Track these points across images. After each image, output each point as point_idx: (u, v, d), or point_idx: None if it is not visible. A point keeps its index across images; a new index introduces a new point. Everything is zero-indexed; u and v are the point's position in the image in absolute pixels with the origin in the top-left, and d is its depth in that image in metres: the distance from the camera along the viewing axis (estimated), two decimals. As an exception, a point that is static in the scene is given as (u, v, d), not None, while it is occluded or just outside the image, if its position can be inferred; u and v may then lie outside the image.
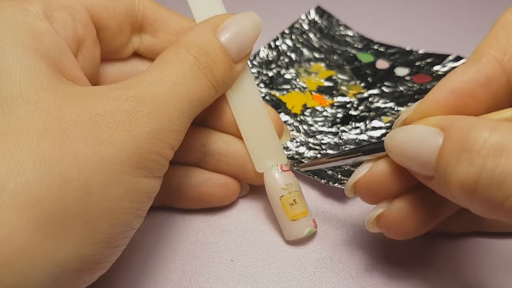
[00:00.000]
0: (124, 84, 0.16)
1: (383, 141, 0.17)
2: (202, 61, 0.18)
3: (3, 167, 0.13)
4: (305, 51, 0.33)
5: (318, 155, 0.25)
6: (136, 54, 0.21)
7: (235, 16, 0.19)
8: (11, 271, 0.12)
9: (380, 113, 0.27)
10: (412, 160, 0.15)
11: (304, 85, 0.30)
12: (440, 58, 0.31)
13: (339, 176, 0.23)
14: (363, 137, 0.26)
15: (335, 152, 0.25)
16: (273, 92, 0.29)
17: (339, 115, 0.28)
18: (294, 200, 0.20)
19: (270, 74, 0.31)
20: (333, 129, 0.27)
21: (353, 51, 0.33)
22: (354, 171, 0.23)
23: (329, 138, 0.26)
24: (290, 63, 0.32)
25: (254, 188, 0.24)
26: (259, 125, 0.21)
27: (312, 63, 0.32)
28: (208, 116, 0.21)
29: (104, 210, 0.14)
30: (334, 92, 0.30)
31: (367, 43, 0.34)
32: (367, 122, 0.27)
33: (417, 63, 0.31)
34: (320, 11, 0.36)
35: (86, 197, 0.14)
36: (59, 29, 0.17)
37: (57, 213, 0.13)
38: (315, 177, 0.23)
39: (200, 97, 0.18)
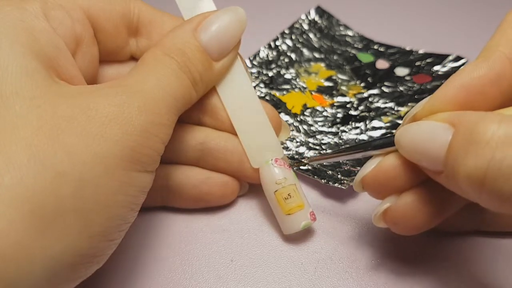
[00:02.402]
0: (113, 82, 0.17)
1: (392, 136, 0.17)
2: (180, 61, 0.18)
3: (0, 162, 0.13)
4: (305, 51, 0.33)
5: (318, 155, 0.25)
6: (134, 57, 0.22)
7: (217, 13, 0.19)
8: (7, 265, 0.12)
9: (380, 113, 0.27)
10: (422, 155, 0.16)
11: (304, 85, 0.30)
12: (440, 58, 0.31)
13: (339, 176, 0.23)
14: (363, 137, 0.26)
15: (339, 145, 0.25)
16: (273, 92, 0.29)
17: (339, 115, 0.28)
18: (288, 194, 0.20)
19: (270, 74, 0.31)
20: (333, 129, 0.27)
21: (353, 51, 0.33)
22: (354, 171, 0.23)
23: (329, 138, 0.26)
24: (290, 63, 0.32)
25: (254, 188, 0.24)
26: (253, 119, 0.21)
27: (312, 63, 0.32)
28: (204, 115, 0.21)
29: (99, 203, 0.14)
30: (334, 92, 0.30)
31: (367, 43, 0.34)
32: (367, 122, 0.27)
33: (417, 63, 0.31)
34: (320, 11, 0.36)
35: (81, 190, 0.14)
36: (57, 27, 0.17)
37: (52, 207, 0.13)
38: (315, 177, 0.23)
39: (183, 94, 0.18)
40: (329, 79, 0.31)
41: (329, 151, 0.25)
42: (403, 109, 0.27)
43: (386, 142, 0.18)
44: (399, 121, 0.27)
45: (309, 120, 0.27)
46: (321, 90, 0.30)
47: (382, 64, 0.32)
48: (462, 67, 0.15)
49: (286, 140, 0.26)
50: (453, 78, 0.16)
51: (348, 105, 0.28)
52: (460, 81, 0.16)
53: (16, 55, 0.15)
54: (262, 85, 0.30)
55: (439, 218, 0.17)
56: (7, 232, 0.12)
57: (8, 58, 0.15)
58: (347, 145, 0.25)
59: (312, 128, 0.27)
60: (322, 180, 0.23)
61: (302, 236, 0.22)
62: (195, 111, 0.21)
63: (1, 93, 0.14)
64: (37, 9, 0.16)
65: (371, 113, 0.28)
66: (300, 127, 0.27)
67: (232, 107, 0.21)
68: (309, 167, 0.24)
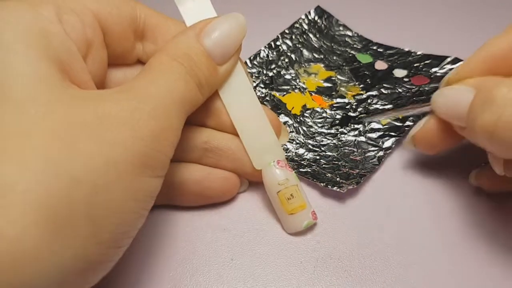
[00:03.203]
0: (122, 87, 0.17)
1: (429, 97, 0.22)
2: (187, 65, 0.18)
3: (15, 168, 0.13)
4: (305, 52, 0.33)
5: (317, 157, 0.25)
6: (141, 61, 0.22)
7: (218, 19, 0.20)
8: (20, 270, 0.12)
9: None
10: (451, 114, 0.20)
11: (304, 86, 0.30)
12: (439, 60, 0.31)
13: (338, 179, 0.24)
14: (362, 139, 0.26)
15: (337, 154, 0.25)
16: (273, 92, 0.30)
17: (338, 116, 0.28)
18: (291, 194, 0.21)
19: (270, 74, 0.31)
20: (332, 131, 0.27)
21: (353, 52, 0.33)
22: (353, 173, 0.24)
23: (328, 139, 0.27)
24: (290, 63, 0.32)
25: (254, 188, 0.24)
26: (254, 122, 0.22)
27: (311, 64, 0.32)
28: (208, 118, 0.22)
29: (110, 209, 0.14)
30: (333, 93, 0.30)
31: (366, 44, 0.34)
32: (366, 123, 0.27)
33: (416, 65, 0.31)
34: (320, 11, 0.36)
35: (93, 197, 0.14)
36: (70, 31, 0.17)
37: (65, 212, 0.13)
38: (314, 180, 0.24)
39: (189, 98, 0.18)
40: (328, 79, 0.31)
41: (328, 153, 0.26)
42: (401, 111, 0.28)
43: (424, 100, 0.24)
44: (397, 123, 0.27)
45: (309, 121, 0.28)
46: (321, 91, 0.30)
47: (380, 65, 0.32)
48: (487, 40, 0.20)
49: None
50: (480, 49, 0.20)
51: (347, 107, 0.29)
52: (485, 50, 0.20)
53: (31, 59, 0.15)
54: (262, 85, 0.30)
55: (458, 139, 0.22)
56: (21, 237, 0.12)
57: (23, 62, 0.15)
58: (346, 149, 0.26)
59: (312, 129, 0.27)
60: (321, 184, 0.23)
61: (301, 235, 0.22)
62: (199, 113, 0.21)
63: (17, 98, 0.14)
64: (51, 13, 0.16)
65: (369, 115, 0.28)
66: (299, 128, 0.27)
67: (234, 110, 0.21)
68: (308, 170, 0.24)
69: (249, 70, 0.31)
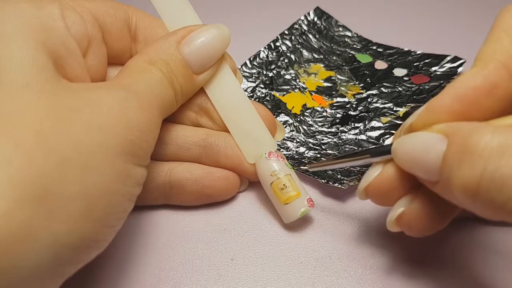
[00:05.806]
0: (109, 82, 0.18)
1: (390, 144, 0.18)
2: (165, 71, 0.19)
3: (9, 145, 0.13)
4: (305, 52, 0.33)
5: (318, 155, 0.25)
6: None
7: (201, 28, 0.20)
8: (13, 244, 0.13)
9: (378, 113, 0.28)
10: (418, 166, 0.16)
11: (304, 86, 0.30)
12: (438, 59, 0.31)
13: (338, 176, 0.23)
14: (362, 137, 0.26)
15: (338, 153, 0.25)
16: (273, 92, 0.30)
17: (339, 115, 0.28)
18: (284, 184, 0.21)
19: (270, 74, 0.31)
20: (333, 129, 0.27)
21: (352, 52, 0.33)
22: (354, 171, 0.24)
23: (329, 138, 0.26)
24: (290, 64, 0.32)
25: (254, 188, 0.24)
26: (243, 118, 0.22)
27: (311, 64, 0.32)
28: (202, 117, 0.23)
29: (101, 190, 0.15)
30: (333, 92, 0.30)
31: (365, 44, 0.34)
32: (366, 122, 0.27)
33: (415, 64, 0.31)
34: (319, 12, 0.36)
35: (85, 176, 0.14)
36: (71, 26, 0.18)
37: (58, 190, 0.14)
38: (315, 177, 0.24)
39: (166, 101, 0.19)
40: (328, 79, 0.31)
41: (329, 151, 0.26)
42: (401, 110, 0.28)
43: (384, 150, 0.18)
44: (398, 122, 0.27)
45: (309, 120, 0.28)
46: (321, 90, 0.30)
47: (380, 64, 0.32)
48: (458, 76, 0.16)
49: (287, 140, 0.26)
50: (449, 88, 0.16)
51: (347, 106, 0.29)
52: (455, 91, 0.16)
53: (30, 49, 0.15)
54: (262, 85, 0.30)
55: (450, 217, 0.18)
56: (14, 211, 0.13)
57: (21, 51, 0.15)
58: (346, 148, 0.26)
59: (312, 128, 0.27)
60: (322, 180, 0.23)
61: (301, 235, 0.22)
62: (193, 114, 0.22)
63: (12, 83, 0.15)
64: (54, 10, 0.17)
65: (370, 114, 0.28)
66: (300, 127, 0.27)
67: (222, 108, 0.22)
68: (309, 167, 0.24)
69: (249, 71, 0.31)
